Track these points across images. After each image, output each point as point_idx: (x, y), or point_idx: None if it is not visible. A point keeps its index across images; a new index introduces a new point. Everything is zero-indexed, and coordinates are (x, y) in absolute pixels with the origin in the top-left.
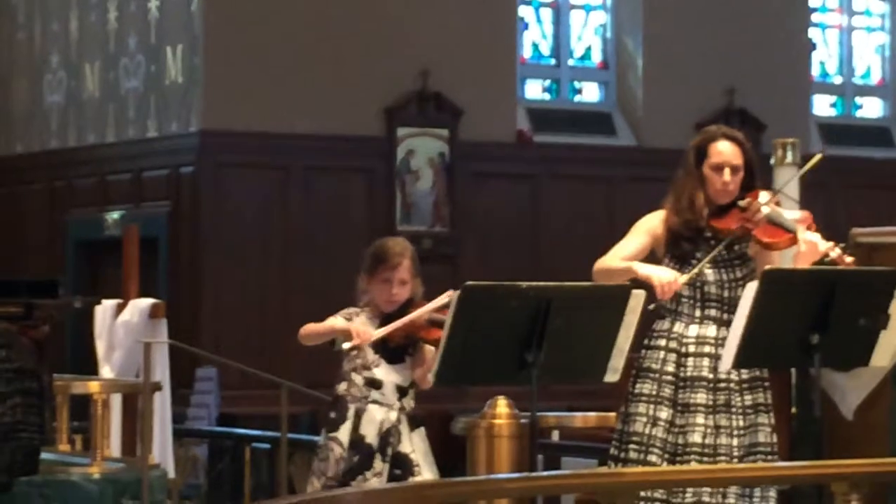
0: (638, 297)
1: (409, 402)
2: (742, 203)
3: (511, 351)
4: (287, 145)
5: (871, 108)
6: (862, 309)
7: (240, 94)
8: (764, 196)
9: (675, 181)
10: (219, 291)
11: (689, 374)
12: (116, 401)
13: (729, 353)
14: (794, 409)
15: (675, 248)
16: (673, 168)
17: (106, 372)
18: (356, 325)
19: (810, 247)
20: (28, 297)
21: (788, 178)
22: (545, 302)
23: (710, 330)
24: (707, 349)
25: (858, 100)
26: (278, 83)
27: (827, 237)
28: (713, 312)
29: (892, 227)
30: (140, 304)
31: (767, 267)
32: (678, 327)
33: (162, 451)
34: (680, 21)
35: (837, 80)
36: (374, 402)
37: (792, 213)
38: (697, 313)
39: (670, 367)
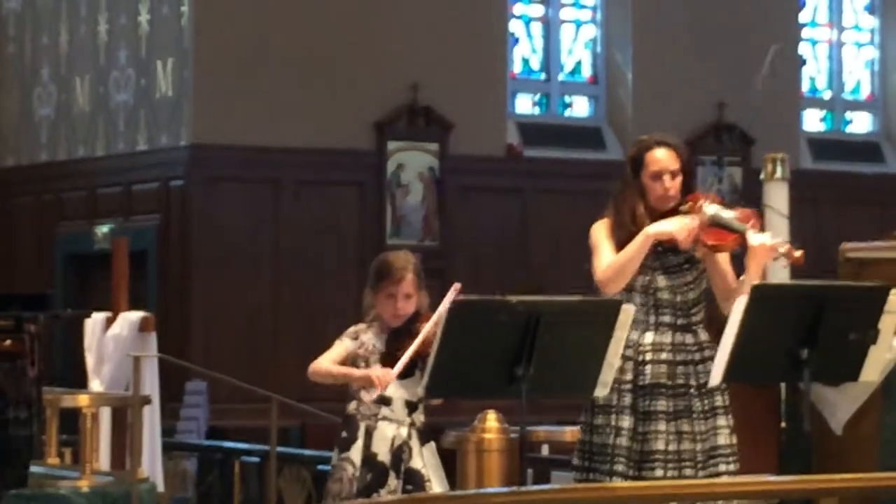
0: (627, 312)
1: (418, 417)
2: (684, 208)
3: (501, 365)
4: (277, 159)
5: (860, 123)
6: (851, 324)
7: (230, 108)
8: (705, 200)
9: (615, 194)
10: (208, 305)
11: (647, 381)
12: (106, 414)
13: (718, 368)
14: (783, 424)
15: None
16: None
17: (95, 385)
18: (375, 371)
19: (762, 248)
20: (18, 311)
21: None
22: (535, 316)
23: (666, 336)
24: (664, 356)
25: (848, 115)
26: (268, 97)
27: (816, 252)
28: (667, 318)
29: (881, 241)
30: (130, 318)
31: (756, 282)
32: (633, 335)
33: (151, 464)
34: (669, 36)
35: (827, 95)
36: (385, 418)
37: (732, 213)
38: (652, 319)
39: (628, 376)
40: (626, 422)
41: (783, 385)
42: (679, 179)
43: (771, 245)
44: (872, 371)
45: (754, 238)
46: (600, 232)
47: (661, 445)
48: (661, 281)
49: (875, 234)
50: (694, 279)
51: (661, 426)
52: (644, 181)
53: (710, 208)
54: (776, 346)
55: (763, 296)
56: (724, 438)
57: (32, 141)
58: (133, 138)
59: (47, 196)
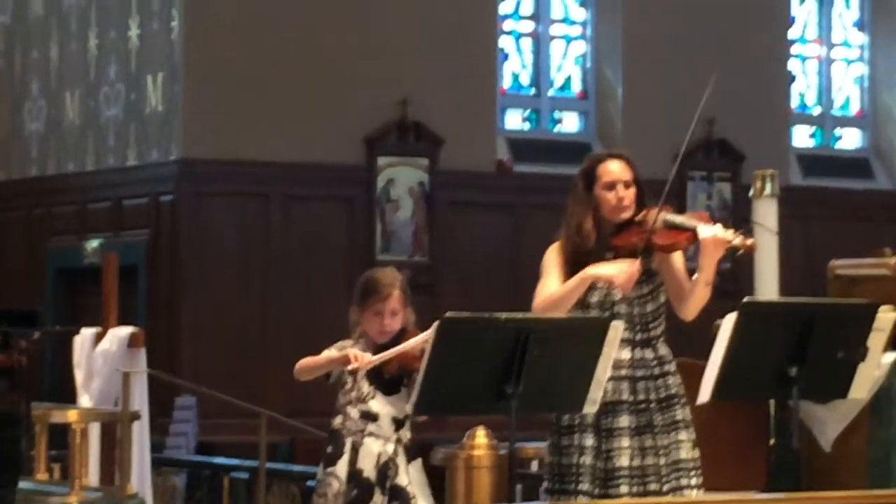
0: (617, 329)
1: (405, 434)
2: (638, 218)
3: (490, 382)
4: (267, 174)
5: (849, 140)
6: (840, 341)
7: (220, 123)
8: (657, 210)
9: (566, 210)
10: (198, 320)
11: (609, 398)
12: (95, 430)
13: (708, 385)
14: (772, 441)
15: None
16: (653, 198)
17: (84, 401)
18: (353, 350)
19: (712, 239)
20: (6, 327)
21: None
22: (524, 333)
23: (625, 353)
24: (623, 372)
25: (837, 131)
26: (258, 111)
27: (805, 269)
28: (626, 335)
29: (870, 258)
30: (119, 333)
31: (746, 299)
32: None
33: (140, 480)
34: (659, 51)
35: (816, 111)
36: (371, 434)
37: (683, 217)
38: None
39: None
40: (590, 440)
41: (772, 402)
42: (633, 190)
43: (722, 237)
44: (861, 388)
45: (704, 231)
46: (550, 257)
47: (625, 461)
48: (618, 294)
49: (865, 251)
50: (650, 291)
51: (625, 442)
52: (597, 193)
53: (663, 215)
54: (765, 363)
55: (752, 312)
56: (685, 452)
57: (22, 155)
58: (123, 153)
59: (37, 211)
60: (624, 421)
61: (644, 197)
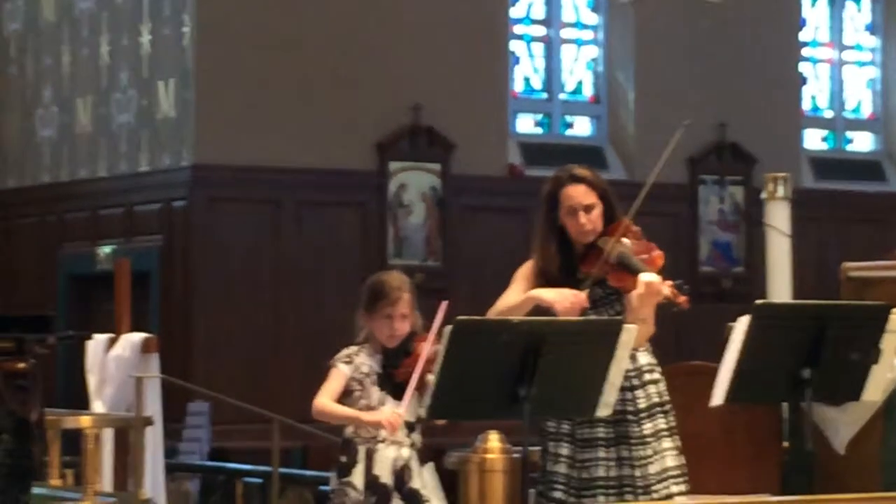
0: (630, 332)
1: (417, 438)
2: (600, 242)
3: (503, 385)
4: (279, 179)
5: (861, 142)
6: (853, 343)
7: (232, 129)
8: (618, 237)
9: (536, 229)
10: (210, 325)
11: None
12: (108, 435)
13: (721, 388)
14: (785, 443)
15: None
16: (665, 202)
17: (97, 406)
18: (384, 415)
19: (649, 288)
20: (20, 333)
21: (659, 164)
22: (537, 336)
23: None
24: None
25: (849, 134)
26: (270, 117)
27: (818, 271)
28: None
29: (883, 261)
30: (132, 339)
31: (758, 301)
32: None
33: (154, 485)
34: (671, 55)
35: (828, 114)
36: (384, 440)
37: (633, 248)
38: None
39: None
40: (565, 449)
41: (786, 404)
42: (596, 212)
43: (656, 287)
44: (875, 391)
45: (644, 276)
46: (521, 272)
47: (601, 472)
48: (591, 315)
49: (877, 253)
50: (623, 308)
51: (601, 453)
52: (562, 218)
53: (618, 249)
54: (778, 365)
55: (765, 315)
56: (672, 460)
57: (35, 162)
58: (135, 159)
59: (49, 217)
60: (600, 432)
61: (613, 210)
